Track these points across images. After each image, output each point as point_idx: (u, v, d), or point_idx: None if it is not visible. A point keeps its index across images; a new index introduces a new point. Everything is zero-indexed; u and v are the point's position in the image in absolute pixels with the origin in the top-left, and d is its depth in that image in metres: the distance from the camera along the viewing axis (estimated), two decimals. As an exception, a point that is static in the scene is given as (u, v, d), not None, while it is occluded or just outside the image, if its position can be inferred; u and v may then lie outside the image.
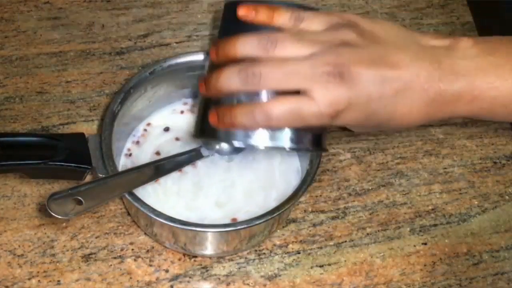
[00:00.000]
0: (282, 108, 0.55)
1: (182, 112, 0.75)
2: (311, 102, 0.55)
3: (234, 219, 0.67)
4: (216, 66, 0.59)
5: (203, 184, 0.69)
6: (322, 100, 0.54)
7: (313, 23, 0.58)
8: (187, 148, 0.71)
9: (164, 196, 0.68)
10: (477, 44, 0.58)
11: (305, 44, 0.56)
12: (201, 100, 0.63)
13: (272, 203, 0.66)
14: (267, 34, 0.57)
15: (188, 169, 0.70)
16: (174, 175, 0.69)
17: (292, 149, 0.59)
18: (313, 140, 0.61)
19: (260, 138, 0.58)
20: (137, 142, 0.72)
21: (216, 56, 0.59)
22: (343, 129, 0.78)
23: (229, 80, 0.57)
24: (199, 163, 0.70)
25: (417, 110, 0.57)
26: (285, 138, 0.58)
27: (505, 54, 0.58)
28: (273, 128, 0.57)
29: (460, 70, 0.57)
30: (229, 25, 0.61)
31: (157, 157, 0.71)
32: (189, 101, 0.75)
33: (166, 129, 0.74)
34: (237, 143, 0.59)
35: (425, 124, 0.58)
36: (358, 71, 0.55)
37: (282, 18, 0.58)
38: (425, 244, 0.72)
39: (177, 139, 0.73)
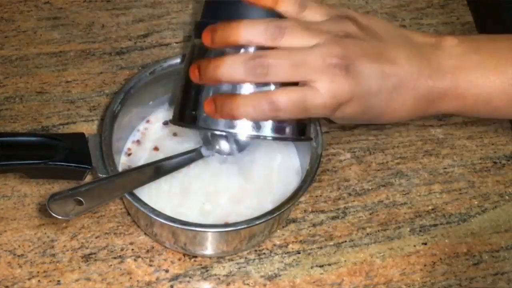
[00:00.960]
0: (289, 98, 0.54)
1: None
2: (317, 93, 0.54)
3: (225, 223, 0.67)
4: (203, 50, 0.56)
5: (191, 189, 0.69)
6: (327, 92, 0.54)
7: (316, 12, 0.57)
8: (185, 144, 0.71)
9: (156, 196, 0.68)
10: (462, 42, 0.59)
11: (312, 33, 0.55)
12: (182, 84, 0.60)
13: (268, 205, 0.66)
14: (273, 21, 0.55)
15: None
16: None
17: (275, 138, 0.58)
18: (297, 129, 0.59)
19: (243, 127, 0.56)
20: (138, 142, 0.72)
21: (211, 41, 0.56)
22: (343, 129, 0.78)
23: (233, 70, 0.54)
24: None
25: (408, 106, 0.57)
26: (268, 127, 0.57)
27: (488, 53, 0.58)
28: (279, 119, 0.56)
29: (446, 69, 0.57)
30: (214, 9, 0.58)
31: (155, 153, 0.71)
32: None
33: (165, 123, 0.74)
34: (218, 132, 0.57)
35: (413, 119, 0.59)
36: (362, 65, 0.55)
37: (287, 3, 0.56)
38: (425, 244, 0.72)
39: (175, 134, 0.73)
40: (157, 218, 0.61)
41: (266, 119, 0.56)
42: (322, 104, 0.54)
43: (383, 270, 0.70)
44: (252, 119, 0.56)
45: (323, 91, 0.54)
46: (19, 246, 0.68)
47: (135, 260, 0.69)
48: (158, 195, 0.68)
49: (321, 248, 0.71)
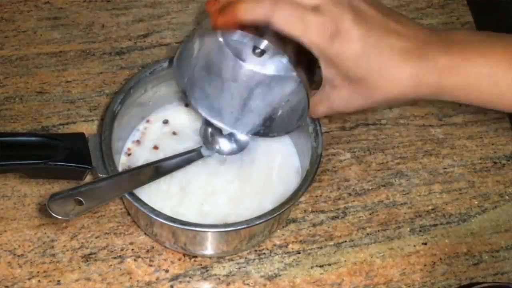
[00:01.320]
0: (290, 6, 0.55)
1: (187, 105, 0.74)
2: (318, 14, 0.54)
3: (224, 223, 0.67)
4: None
5: (190, 189, 0.69)
6: (328, 13, 0.55)
7: None
8: (184, 143, 0.71)
9: (155, 196, 0.68)
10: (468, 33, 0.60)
11: None
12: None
13: (268, 206, 0.66)
14: None
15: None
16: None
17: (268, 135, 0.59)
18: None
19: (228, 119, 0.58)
20: (137, 141, 0.72)
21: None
22: (343, 129, 0.79)
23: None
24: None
25: (408, 74, 0.56)
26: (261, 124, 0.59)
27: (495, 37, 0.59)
28: (272, 25, 0.55)
29: (454, 39, 0.57)
30: None
31: (155, 152, 0.71)
32: None
33: (165, 122, 0.74)
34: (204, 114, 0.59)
35: (413, 97, 0.58)
36: (370, 12, 0.56)
37: None
38: (425, 244, 0.72)
39: (174, 133, 0.73)
40: (157, 218, 0.61)
41: (264, 20, 0.55)
42: (320, 22, 0.55)
43: (383, 270, 0.70)
44: (251, 19, 0.55)
45: (325, 12, 0.55)
46: (19, 246, 0.68)
47: (135, 260, 0.69)
48: (157, 194, 0.68)
49: (321, 248, 0.71)
